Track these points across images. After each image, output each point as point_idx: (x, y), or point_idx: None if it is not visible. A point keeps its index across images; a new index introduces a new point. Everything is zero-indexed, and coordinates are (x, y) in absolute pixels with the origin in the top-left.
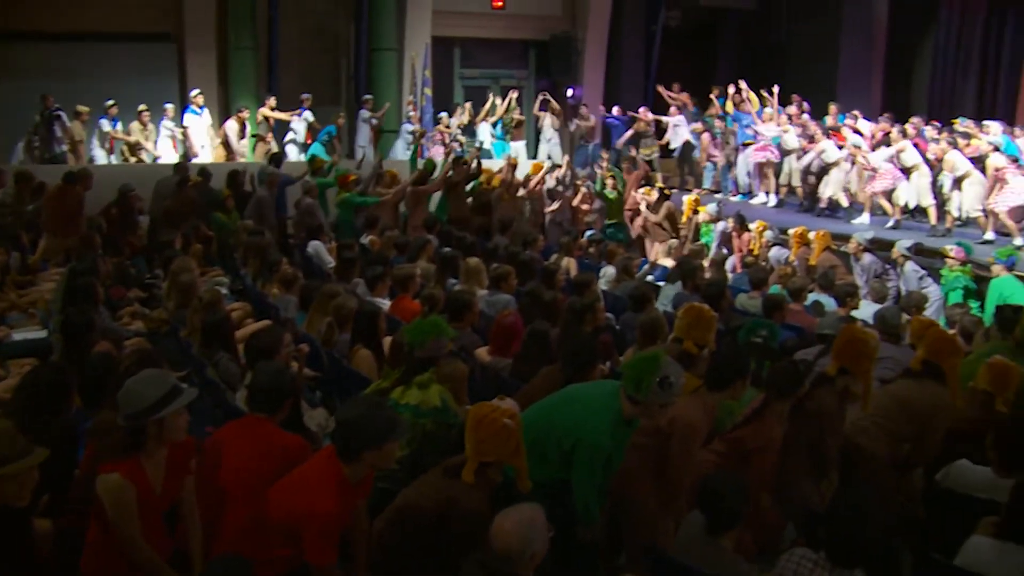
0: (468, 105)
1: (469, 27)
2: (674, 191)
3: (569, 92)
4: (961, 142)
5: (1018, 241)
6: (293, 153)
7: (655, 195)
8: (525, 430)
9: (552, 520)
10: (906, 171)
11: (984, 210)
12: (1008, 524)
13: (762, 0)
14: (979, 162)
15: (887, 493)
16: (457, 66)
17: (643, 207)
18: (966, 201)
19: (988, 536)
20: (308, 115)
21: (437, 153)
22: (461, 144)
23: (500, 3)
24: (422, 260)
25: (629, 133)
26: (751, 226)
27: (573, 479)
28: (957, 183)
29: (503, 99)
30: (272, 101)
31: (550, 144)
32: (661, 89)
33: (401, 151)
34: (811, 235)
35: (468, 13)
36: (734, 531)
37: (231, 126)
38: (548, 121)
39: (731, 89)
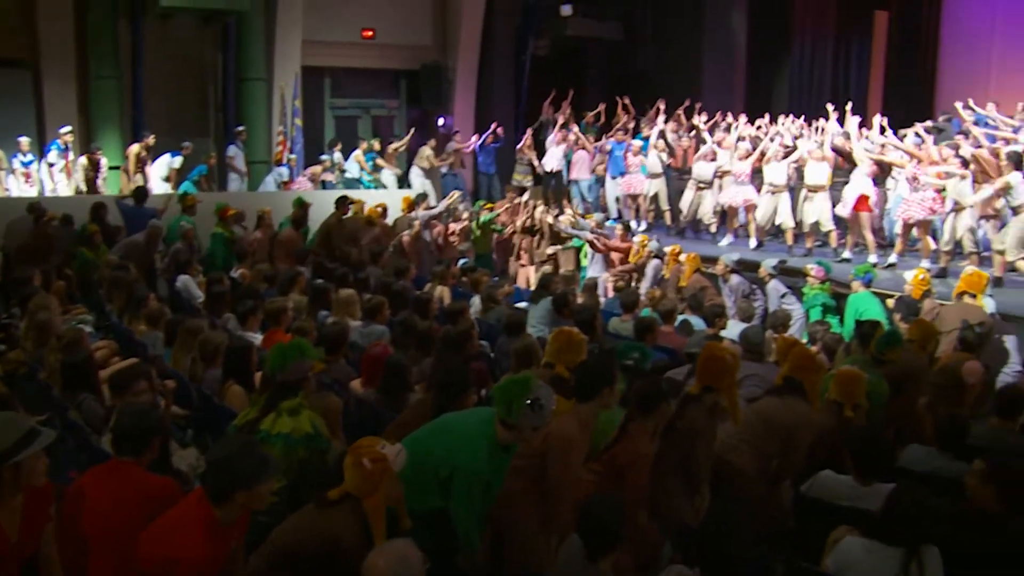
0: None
1: (339, 57)
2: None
3: (440, 121)
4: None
5: (873, 258)
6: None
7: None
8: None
9: (432, 550)
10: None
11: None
12: (880, 525)
13: (627, 28)
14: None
15: (757, 507)
16: (328, 96)
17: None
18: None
19: (857, 536)
20: (178, 161)
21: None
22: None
23: (370, 33)
24: (294, 293)
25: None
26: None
27: (452, 508)
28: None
29: (374, 129)
30: (150, 139)
31: (421, 176)
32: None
33: (272, 184)
34: (682, 257)
35: (338, 43)
36: (613, 554)
37: (83, 163)
38: (428, 153)
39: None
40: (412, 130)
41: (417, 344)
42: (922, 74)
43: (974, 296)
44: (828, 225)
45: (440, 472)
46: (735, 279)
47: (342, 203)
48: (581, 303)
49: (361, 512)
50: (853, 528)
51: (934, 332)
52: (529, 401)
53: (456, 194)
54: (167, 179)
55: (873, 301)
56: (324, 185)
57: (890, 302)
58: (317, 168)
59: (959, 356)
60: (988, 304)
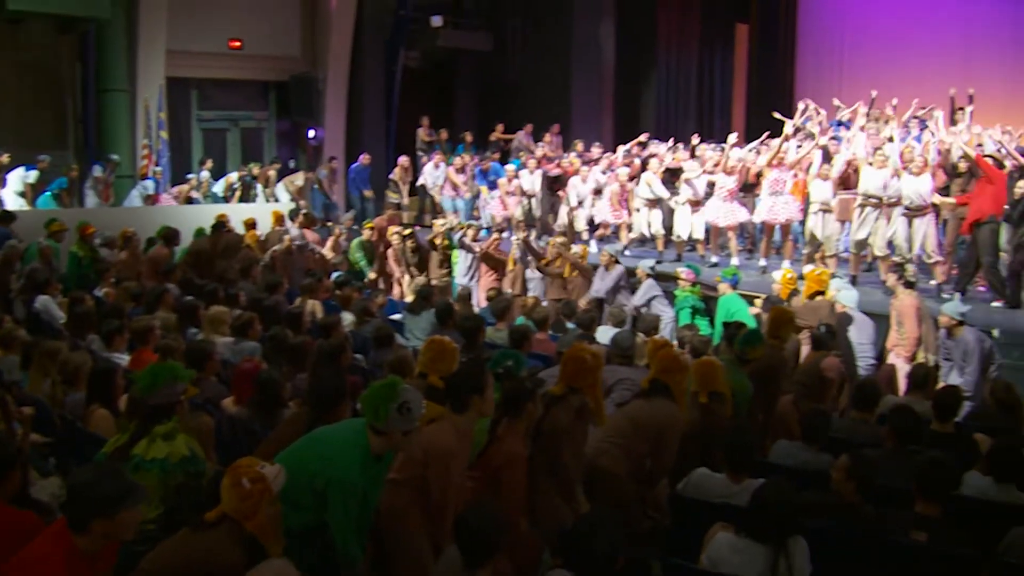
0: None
1: (206, 67)
2: (417, 228)
3: (311, 133)
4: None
5: (736, 261)
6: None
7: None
8: None
9: (310, 568)
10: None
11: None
12: (747, 522)
13: (498, 40)
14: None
15: (630, 508)
16: (195, 108)
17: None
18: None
19: (728, 533)
20: (33, 175)
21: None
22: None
23: (238, 43)
24: (161, 311)
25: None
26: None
27: (330, 520)
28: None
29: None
30: (4, 157)
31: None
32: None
33: (137, 199)
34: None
35: (204, 53)
36: (491, 562)
37: None
38: (299, 183)
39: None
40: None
41: (290, 359)
42: (781, 83)
43: (822, 294)
44: (699, 233)
45: (315, 485)
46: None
47: (218, 229)
48: (468, 313)
49: (240, 533)
50: (728, 525)
51: (787, 318)
52: (397, 405)
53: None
54: (22, 194)
55: (742, 303)
56: (191, 201)
57: (758, 302)
58: (184, 187)
59: (819, 355)
60: (851, 296)
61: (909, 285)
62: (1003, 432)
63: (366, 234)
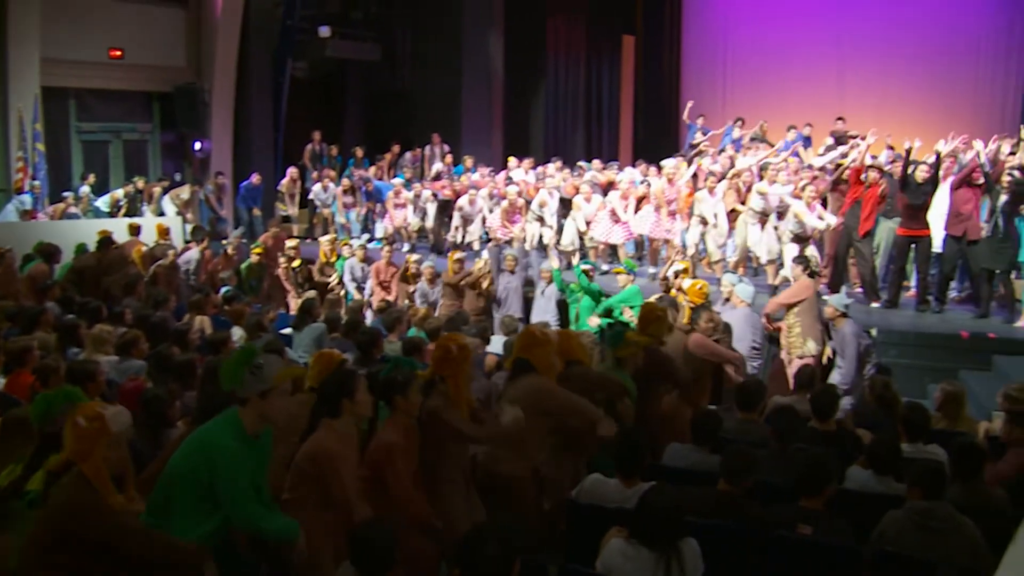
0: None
1: (85, 77)
2: (308, 240)
3: (197, 146)
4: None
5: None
6: None
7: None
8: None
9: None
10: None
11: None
12: (635, 526)
13: (387, 50)
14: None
15: (529, 513)
16: (73, 119)
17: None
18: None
19: (620, 540)
20: None
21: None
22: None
23: (118, 52)
24: (39, 331)
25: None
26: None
27: (228, 508)
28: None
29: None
30: None
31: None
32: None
33: (13, 213)
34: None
35: (83, 62)
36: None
37: None
38: (185, 196)
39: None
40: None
41: (177, 377)
42: (667, 95)
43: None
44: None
45: (201, 477)
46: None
47: (104, 245)
48: (363, 327)
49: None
50: (622, 529)
51: (654, 315)
52: (250, 367)
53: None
54: None
55: (639, 297)
56: (70, 217)
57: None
58: (60, 205)
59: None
60: (747, 291)
61: (813, 275)
62: (882, 428)
63: (254, 258)
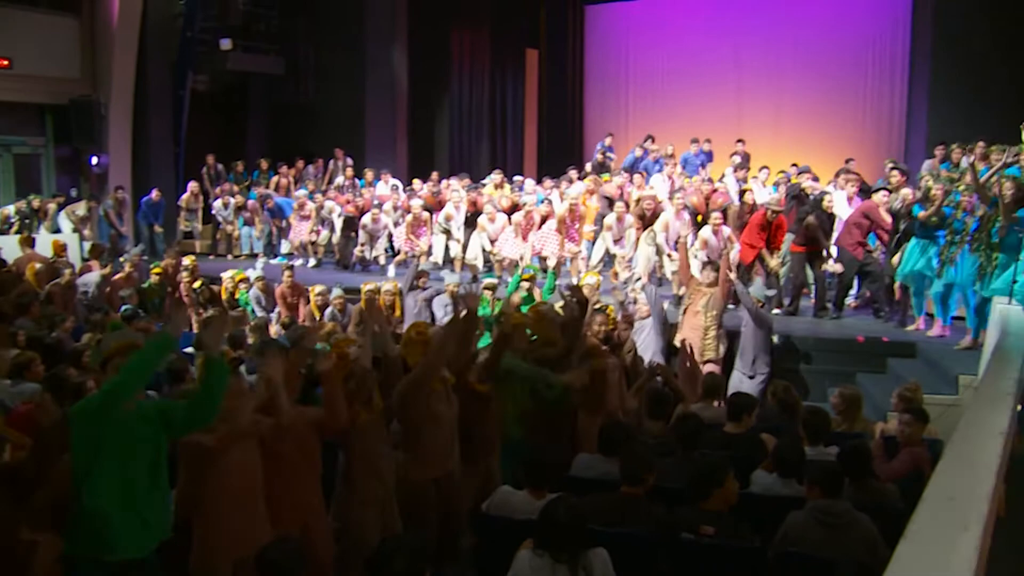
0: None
1: None
2: (211, 257)
3: (94, 160)
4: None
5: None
6: None
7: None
8: None
9: None
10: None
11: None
12: (539, 537)
13: (289, 63)
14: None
15: (430, 525)
16: None
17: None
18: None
19: (528, 551)
20: None
21: None
22: None
23: (6, 62)
24: None
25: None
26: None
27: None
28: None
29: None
30: None
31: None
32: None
33: None
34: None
35: None
36: None
37: None
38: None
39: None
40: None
41: (73, 398)
42: (572, 107)
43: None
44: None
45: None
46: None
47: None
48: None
49: None
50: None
51: (544, 317)
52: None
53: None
54: None
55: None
56: None
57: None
58: None
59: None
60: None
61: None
62: (784, 432)
63: (154, 277)
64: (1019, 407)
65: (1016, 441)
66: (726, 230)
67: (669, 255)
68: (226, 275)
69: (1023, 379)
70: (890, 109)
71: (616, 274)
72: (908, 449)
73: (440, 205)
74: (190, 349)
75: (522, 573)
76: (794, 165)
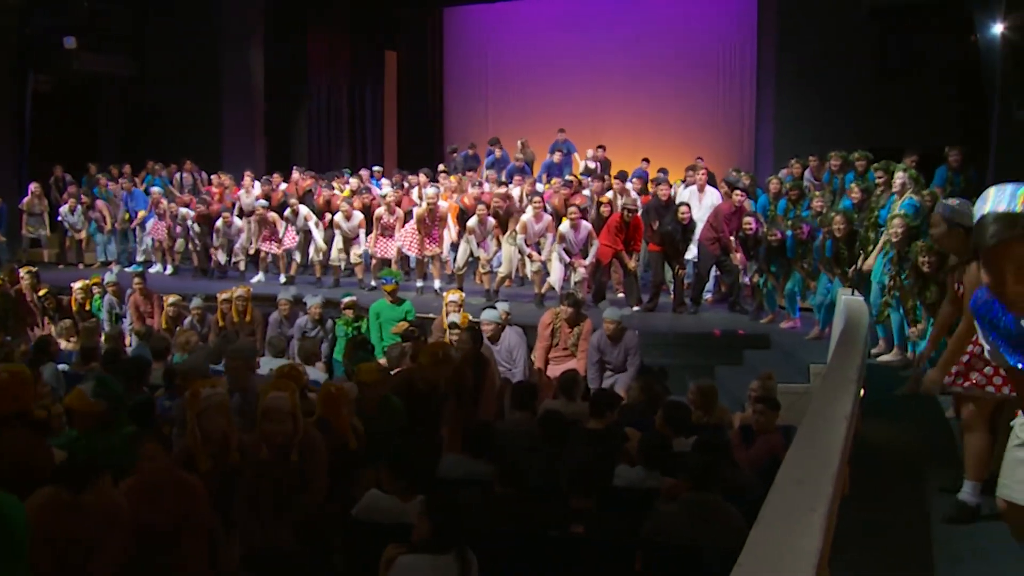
0: None
1: None
2: (60, 266)
3: None
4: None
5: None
6: None
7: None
8: None
9: None
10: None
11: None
12: (421, 537)
13: (141, 65)
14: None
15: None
16: None
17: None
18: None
19: (410, 555)
20: None
21: None
22: None
23: None
24: None
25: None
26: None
27: None
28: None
29: None
30: None
31: None
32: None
33: None
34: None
35: None
36: None
37: None
38: None
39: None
40: None
41: None
42: (431, 110)
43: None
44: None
45: None
46: (300, 317)
47: None
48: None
49: None
50: (400, 546)
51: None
52: None
53: None
54: None
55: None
56: None
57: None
58: None
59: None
60: (492, 315)
61: (582, 317)
62: (649, 426)
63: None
64: (862, 392)
65: (859, 424)
66: (586, 225)
67: (530, 256)
68: (76, 285)
69: (863, 366)
70: (740, 111)
71: (482, 277)
72: (764, 437)
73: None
74: (63, 366)
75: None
76: (645, 160)
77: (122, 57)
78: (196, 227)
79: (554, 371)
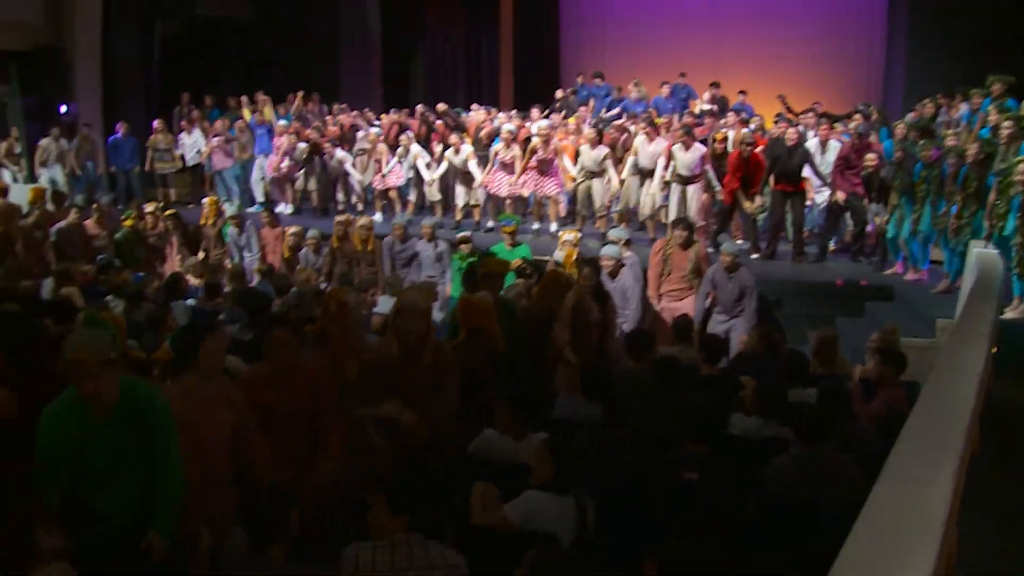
0: None
1: None
2: (190, 205)
3: (63, 109)
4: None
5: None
6: None
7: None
8: None
9: None
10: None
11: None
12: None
13: (261, 11)
14: None
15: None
16: None
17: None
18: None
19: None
20: None
21: None
22: None
23: None
24: None
25: None
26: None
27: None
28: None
29: None
30: None
31: (51, 169)
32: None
33: None
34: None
35: None
36: (279, 541)
37: None
38: (52, 145)
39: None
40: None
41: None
42: (547, 51)
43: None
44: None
45: None
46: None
47: None
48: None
49: None
50: (488, 484)
51: (559, 283)
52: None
53: None
54: None
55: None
56: None
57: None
58: None
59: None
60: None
61: (692, 241)
62: (764, 373)
63: (129, 224)
64: (994, 348)
65: (991, 382)
66: (699, 147)
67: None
68: (205, 200)
69: (998, 321)
70: (868, 48)
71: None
72: (885, 391)
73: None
74: (191, 301)
75: (537, 510)
76: (742, 92)
77: (243, 1)
78: (318, 160)
79: (669, 308)
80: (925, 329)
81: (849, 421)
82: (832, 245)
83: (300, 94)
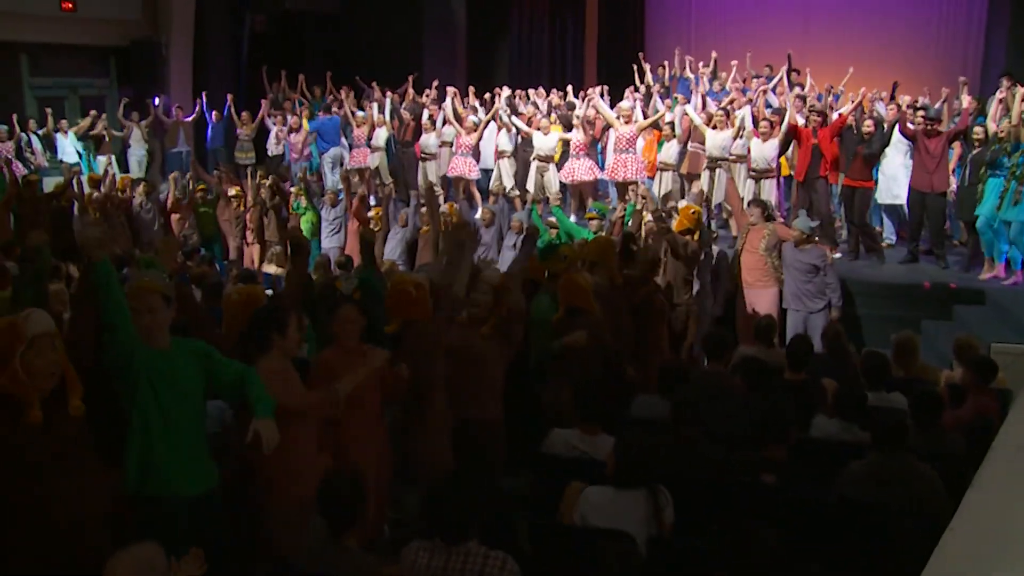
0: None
1: (35, 31)
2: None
3: (156, 101)
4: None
5: None
6: None
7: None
8: None
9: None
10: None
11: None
12: (617, 472)
13: (346, 3)
14: None
15: (497, 464)
16: (26, 74)
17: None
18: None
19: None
20: None
21: None
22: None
23: (70, 5)
24: None
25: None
26: None
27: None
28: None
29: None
30: None
31: (137, 153)
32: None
33: None
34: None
35: (32, 16)
36: (356, 529)
37: None
38: (136, 133)
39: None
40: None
41: None
42: (631, 39)
43: (692, 232)
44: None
45: None
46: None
47: (28, 186)
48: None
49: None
50: (582, 483)
51: (603, 247)
52: None
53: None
54: None
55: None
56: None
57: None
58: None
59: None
60: None
61: (770, 218)
62: (843, 377)
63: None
64: None
65: None
66: (773, 142)
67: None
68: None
69: None
70: (967, 28)
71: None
72: (975, 398)
73: None
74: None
75: (598, 507)
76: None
77: None
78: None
79: (750, 298)
80: (1017, 335)
81: (933, 427)
82: (887, 241)
83: (411, 79)
